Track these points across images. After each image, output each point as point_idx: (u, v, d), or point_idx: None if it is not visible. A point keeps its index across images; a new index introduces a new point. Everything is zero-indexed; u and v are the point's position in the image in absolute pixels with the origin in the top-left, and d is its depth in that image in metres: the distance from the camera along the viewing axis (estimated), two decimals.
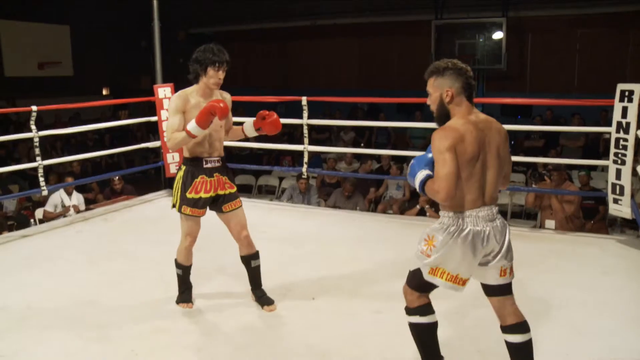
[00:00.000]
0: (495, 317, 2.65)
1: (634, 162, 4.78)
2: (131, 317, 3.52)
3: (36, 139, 5.41)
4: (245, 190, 9.66)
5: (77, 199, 7.32)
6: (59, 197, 7.19)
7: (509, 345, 2.60)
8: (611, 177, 4.90)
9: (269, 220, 5.30)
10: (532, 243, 4.94)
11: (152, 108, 6.48)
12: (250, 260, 3.64)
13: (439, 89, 2.51)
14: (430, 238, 2.53)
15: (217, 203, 3.51)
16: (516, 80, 12.93)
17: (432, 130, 2.52)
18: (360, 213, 6.85)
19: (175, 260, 3.65)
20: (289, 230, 5.35)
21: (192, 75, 3.40)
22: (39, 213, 7.35)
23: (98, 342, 3.22)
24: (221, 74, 3.37)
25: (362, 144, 11.84)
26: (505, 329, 2.60)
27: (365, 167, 9.18)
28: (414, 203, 7.43)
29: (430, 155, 2.52)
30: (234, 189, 3.57)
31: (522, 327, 2.58)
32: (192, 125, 3.24)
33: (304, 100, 5.96)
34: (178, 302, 3.67)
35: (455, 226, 2.48)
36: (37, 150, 5.45)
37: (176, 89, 6.30)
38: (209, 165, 3.46)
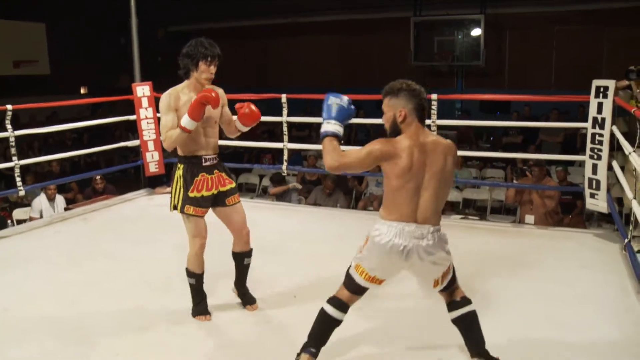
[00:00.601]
0: None
1: (610, 157, 4.86)
2: (113, 317, 3.48)
3: (12, 139, 5.33)
4: None
5: (62, 202, 7.23)
6: (39, 202, 7.09)
7: (453, 321, 2.80)
8: (588, 172, 4.97)
9: (250, 218, 5.25)
10: (512, 238, 4.99)
11: (130, 106, 6.42)
12: (244, 258, 3.60)
13: (393, 108, 2.64)
14: (367, 237, 2.69)
15: (218, 199, 3.43)
16: (494, 77, 13.06)
17: None
18: (341, 210, 6.87)
19: (187, 269, 3.46)
20: (270, 228, 5.33)
21: (183, 71, 3.32)
22: (16, 214, 7.25)
23: (79, 343, 3.18)
24: (213, 69, 3.29)
25: (342, 141, 11.85)
26: (448, 308, 2.81)
27: None
28: None
29: (352, 108, 2.74)
30: (234, 184, 3.52)
31: (460, 302, 2.78)
32: (185, 120, 3.15)
33: (284, 97, 5.95)
34: (194, 315, 3.49)
35: (380, 232, 2.61)
36: (13, 150, 5.38)
37: (155, 87, 6.31)
38: (207, 163, 3.38)
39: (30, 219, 6.95)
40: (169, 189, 3.46)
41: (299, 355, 2.83)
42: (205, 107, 3.15)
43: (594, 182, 4.91)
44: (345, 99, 2.77)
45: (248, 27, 15.03)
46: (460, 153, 7.70)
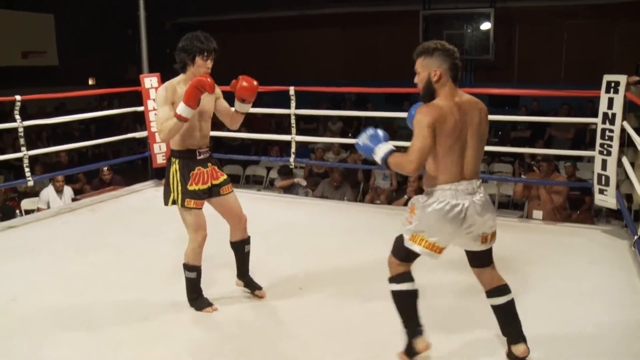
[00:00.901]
0: None
1: (620, 153, 4.82)
2: (118, 307, 3.50)
3: (21, 129, 5.35)
4: (232, 180, 9.51)
5: (70, 193, 7.24)
6: (47, 193, 7.10)
7: (493, 307, 2.83)
8: (597, 167, 4.93)
9: (256, 210, 5.25)
10: (519, 233, 4.96)
11: (138, 98, 6.43)
12: (245, 245, 3.60)
13: (427, 68, 2.63)
14: (413, 206, 2.72)
15: (212, 191, 3.45)
16: (504, 71, 12.98)
17: None
18: (348, 203, 6.86)
19: (185, 264, 3.42)
20: (276, 220, 5.33)
21: (179, 65, 3.29)
22: (24, 204, 7.28)
23: (84, 333, 3.20)
24: (209, 63, 3.28)
25: (349, 134, 11.84)
26: (488, 294, 2.83)
27: (354, 157, 9.18)
28: (401, 193, 7.44)
29: (380, 133, 2.76)
30: (225, 176, 3.54)
31: (502, 290, 2.81)
32: (181, 107, 3.10)
33: (292, 90, 5.93)
34: (200, 308, 3.45)
35: (435, 198, 2.64)
36: (22, 141, 5.39)
37: (163, 79, 6.30)
38: (202, 156, 3.38)
39: (38, 209, 6.98)
40: None
41: (411, 343, 2.76)
42: (200, 93, 3.10)
43: (603, 178, 4.88)
44: (370, 129, 2.82)
45: (255, 20, 15.02)
46: None
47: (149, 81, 6.30)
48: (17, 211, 7.38)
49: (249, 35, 15.09)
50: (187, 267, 3.44)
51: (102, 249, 4.53)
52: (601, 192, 4.93)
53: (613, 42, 11.97)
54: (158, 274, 3.93)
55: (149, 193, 6.35)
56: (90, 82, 15.71)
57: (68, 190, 7.29)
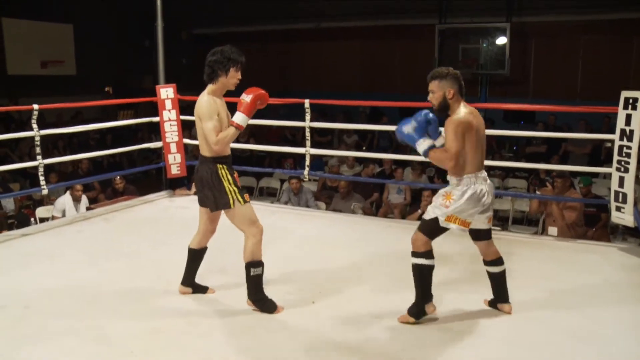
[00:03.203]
0: None
1: (638, 170, 4.76)
2: (129, 317, 3.50)
3: (37, 138, 5.40)
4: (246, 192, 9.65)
5: (85, 202, 7.27)
6: (64, 202, 7.14)
7: (489, 274, 3.55)
8: (614, 184, 4.88)
9: (270, 223, 5.25)
10: (533, 250, 4.92)
11: (154, 108, 6.46)
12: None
13: (442, 89, 3.29)
14: (448, 194, 3.31)
15: None
16: (519, 86, 12.93)
17: None
18: (361, 217, 6.83)
19: (250, 262, 3.48)
20: (289, 232, 5.33)
21: (211, 75, 3.43)
22: (39, 212, 7.32)
23: (96, 341, 3.20)
24: (239, 75, 3.47)
25: (364, 148, 11.81)
26: (486, 263, 3.54)
27: (368, 171, 9.16)
28: (415, 207, 7.41)
29: (423, 113, 3.32)
30: None
31: (498, 261, 3.52)
32: (241, 118, 3.37)
33: (307, 103, 5.94)
34: (272, 310, 3.54)
35: (466, 185, 3.28)
36: (37, 149, 5.44)
37: (179, 90, 6.34)
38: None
39: (53, 217, 7.02)
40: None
41: (423, 307, 3.37)
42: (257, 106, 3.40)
43: (621, 195, 4.82)
44: (413, 119, 3.33)
45: (271, 32, 15.08)
46: None
47: (165, 92, 6.34)
48: (32, 219, 7.43)
49: (265, 46, 15.16)
50: (252, 264, 3.50)
51: (115, 258, 4.55)
52: (618, 209, 4.88)
53: (630, 58, 11.89)
54: (170, 283, 3.93)
55: (163, 203, 6.37)
56: (107, 89, 15.85)
57: (84, 198, 7.34)
